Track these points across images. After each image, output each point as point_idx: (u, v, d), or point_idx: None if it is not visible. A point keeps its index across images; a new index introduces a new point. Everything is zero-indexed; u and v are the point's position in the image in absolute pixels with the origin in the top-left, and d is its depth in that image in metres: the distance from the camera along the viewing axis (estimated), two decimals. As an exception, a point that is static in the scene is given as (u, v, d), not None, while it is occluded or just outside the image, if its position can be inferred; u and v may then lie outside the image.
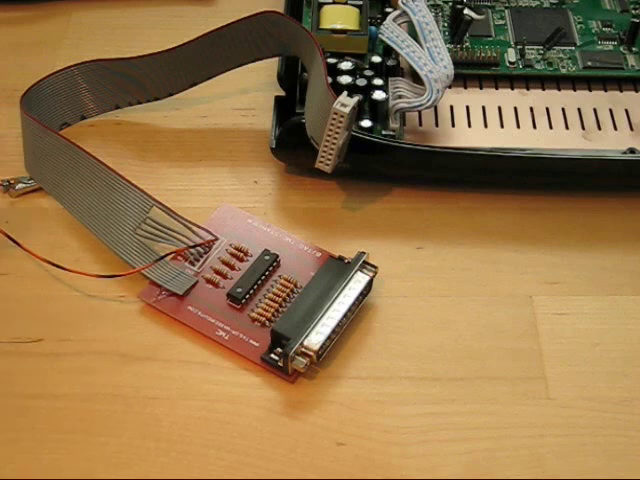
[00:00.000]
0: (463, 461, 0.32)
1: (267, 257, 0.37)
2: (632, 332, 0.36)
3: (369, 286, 0.36)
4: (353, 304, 0.35)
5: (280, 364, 0.34)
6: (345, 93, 0.37)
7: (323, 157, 0.38)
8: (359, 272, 0.36)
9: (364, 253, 0.36)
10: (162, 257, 0.37)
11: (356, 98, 0.37)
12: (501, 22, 0.47)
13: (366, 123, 0.41)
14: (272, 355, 0.34)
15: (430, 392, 0.34)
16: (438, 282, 0.38)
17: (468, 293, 0.37)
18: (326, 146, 0.37)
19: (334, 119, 0.37)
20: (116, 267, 0.37)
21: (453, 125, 0.43)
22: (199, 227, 0.38)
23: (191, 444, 0.32)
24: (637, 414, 0.33)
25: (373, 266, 0.36)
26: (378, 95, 0.41)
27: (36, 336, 0.36)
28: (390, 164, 0.41)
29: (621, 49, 0.45)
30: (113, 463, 0.32)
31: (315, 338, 0.34)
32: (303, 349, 0.33)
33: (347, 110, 0.36)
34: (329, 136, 0.37)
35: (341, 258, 0.37)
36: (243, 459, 0.32)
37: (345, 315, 0.35)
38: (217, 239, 0.38)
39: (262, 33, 0.43)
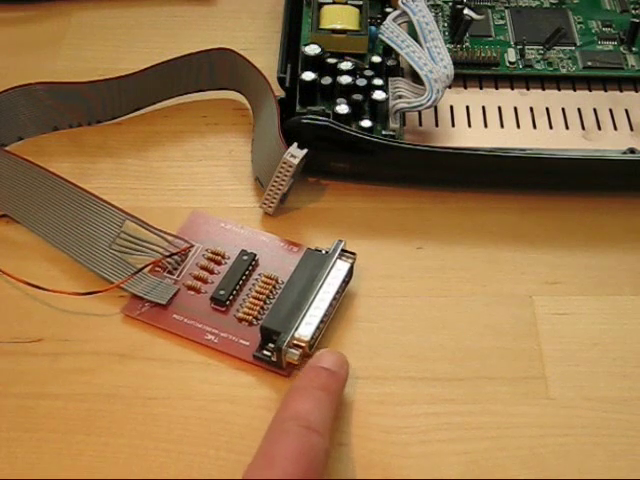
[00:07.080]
0: (463, 461, 0.32)
1: (245, 257, 0.37)
2: (632, 332, 0.36)
3: (350, 273, 0.36)
4: (337, 292, 0.35)
5: (274, 359, 0.34)
6: (295, 145, 0.38)
7: (267, 200, 0.39)
8: (339, 260, 0.36)
9: (341, 241, 0.37)
10: (140, 269, 0.37)
11: (305, 150, 0.38)
12: (501, 22, 0.47)
13: (366, 123, 0.41)
14: (264, 351, 0.34)
15: (430, 392, 0.34)
16: (438, 282, 0.38)
17: (468, 293, 0.37)
18: (272, 190, 0.39)
19: (282, 167, 0.38)
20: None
21: (453, 125, 0.43)
22: (174, 236, 0.38)
23: (190, 444, 0.32)
24: (637, 414, 0.33)
25: (352, 253, 0.37)
26: (378, 95, 0.41)
27: (36, 336, 0.36)
28: (390, 164, 0.41)
29: (621, 49, 0.45)
30: (113, 463, 0.32)
31: (305, 329, 0.34)
32: (295, 341, 0.34)
33: (296, 161, 0.38)
34: (275, 182, 0.39)
35: (318, 249, 0.37)
36: (243, 459, 0.32)
37: (331, 304, 0.35)
38: (192, 246, 0.38)
39: (215, 67, 0.44)
